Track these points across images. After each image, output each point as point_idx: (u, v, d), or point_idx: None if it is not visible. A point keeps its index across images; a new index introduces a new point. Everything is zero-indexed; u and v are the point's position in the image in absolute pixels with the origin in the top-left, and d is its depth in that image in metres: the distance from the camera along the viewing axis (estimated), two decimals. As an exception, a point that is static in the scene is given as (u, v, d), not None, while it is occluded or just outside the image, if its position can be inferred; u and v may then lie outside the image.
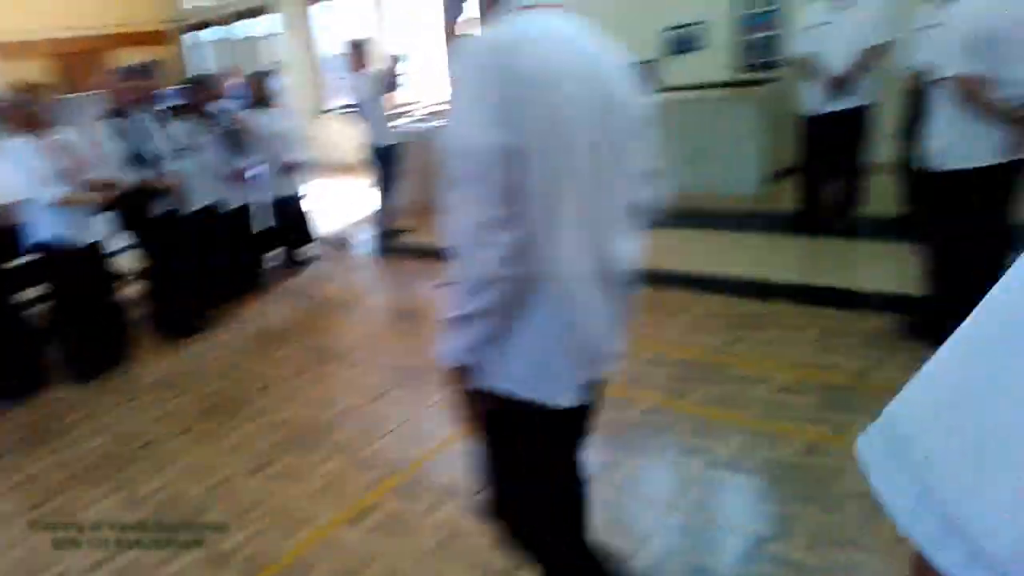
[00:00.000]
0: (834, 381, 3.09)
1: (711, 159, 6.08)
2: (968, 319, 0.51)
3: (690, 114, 6.15)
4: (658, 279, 4.52)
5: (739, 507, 2.45)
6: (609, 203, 1.39)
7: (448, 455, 2.89)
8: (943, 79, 2.92)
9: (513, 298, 1.30)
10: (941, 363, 0.52)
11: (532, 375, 1.40)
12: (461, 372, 1.40)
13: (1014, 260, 0.48)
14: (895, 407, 0.54)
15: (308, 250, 6.28)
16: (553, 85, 1.23)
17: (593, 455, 2.75)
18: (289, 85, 8.51)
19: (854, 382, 3.06)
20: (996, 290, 0.49)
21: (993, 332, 0.48)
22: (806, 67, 4.79)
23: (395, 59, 6.13)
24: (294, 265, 6.14)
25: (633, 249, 1.47)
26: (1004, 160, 2.89)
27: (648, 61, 7.19)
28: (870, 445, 0.54)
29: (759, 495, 2.46)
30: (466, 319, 1.31)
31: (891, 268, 4.39)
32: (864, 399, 2.91)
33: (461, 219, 1.26)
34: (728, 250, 4.95)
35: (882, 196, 5.25)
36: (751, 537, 2.24)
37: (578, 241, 1.33)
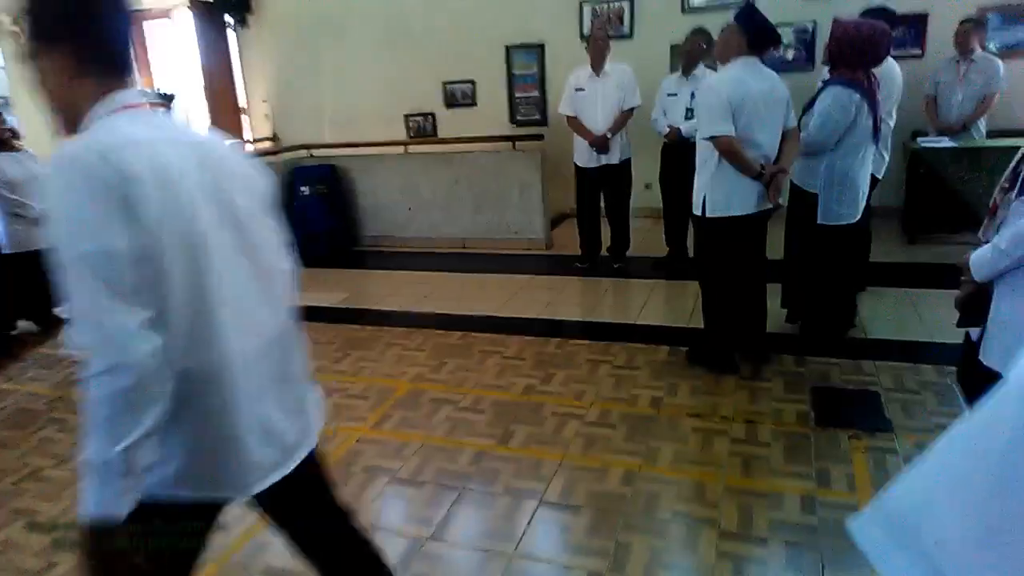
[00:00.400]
0: (636, 411, 3.27)
1: (499, 207, 6.34)
2: (963, 424, 0.62)
3: (475, 165, 6.37)
4: (466, 323, 4.54)
5: (573, 544, 2.47)
6: (253, 280, 1.38)
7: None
8: (705, 139, 3.35)
9: (170, 409, 1.19)
10: (939, 463, 0.62)
11: (197, 473, 1.31)
12: (112, 530, 1.14)
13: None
14: (893, 501, 0.62)
15: None
16: (168, 181, 1.20)
17: (425, 510, 2.70)
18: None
19: (653, 411, 3.26)
20: (999, 399, 0.59)
21: (1002, 438, 0.57)
22: (573, 126, 5.29)
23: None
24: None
25: (285, 317, 1.47)
26: (756, 211, 3.37)
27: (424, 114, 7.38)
28: (869, 534, 0.62)
29: (590, 530, 2.50)
30: (119, 457, 1.10)
31: (664, 303, 4.88)
32: (663, 426, 3.07)
33: (93, 335, 1.11)
34: (524, 293, 5.14)
35: (650, 239, 5.88)
36: (592, 572, 2.27)
37: (233, 324, 1.30)
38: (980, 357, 1.88)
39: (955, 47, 5.26)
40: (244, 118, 8.45)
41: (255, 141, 8.33)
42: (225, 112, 8.11)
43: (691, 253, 5.27)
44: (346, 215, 6.73)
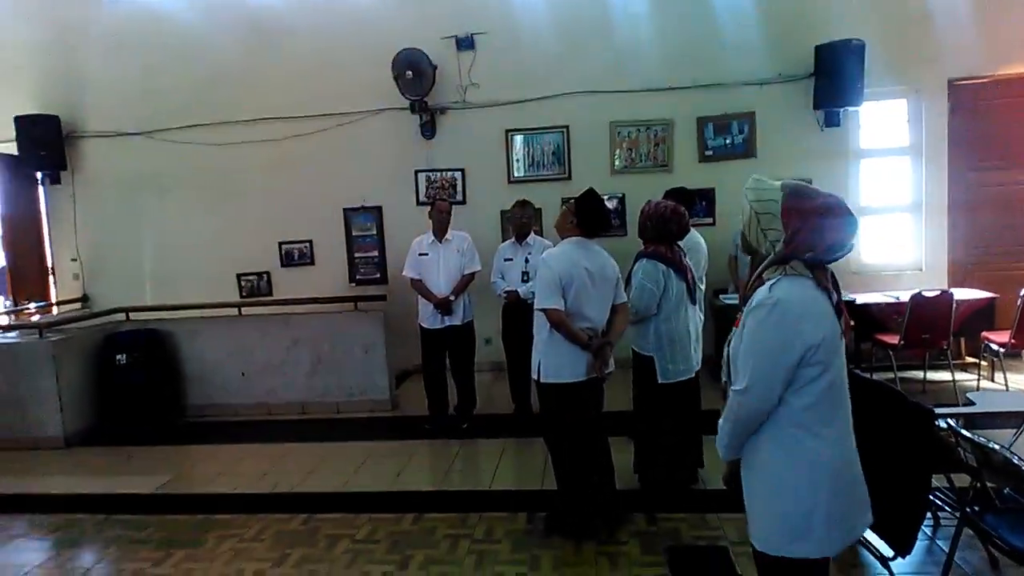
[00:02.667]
0: (501, 592, 3.17)
1: (340, 368, 6.14)
2: None
3: (315, 325, 6.20)
4: (309, 503, 4.20)
5: None
6: None
7: None
8: (538, 309, 3.55)
9: None
10: None
11: None
12: None
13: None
14: None
15: None
16: None
17: None
18: None
19: (519, 590, 3.18)
20: None
21: None
22: (417, 289, 5.39)
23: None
24: None
25: None
26: (587, 378, 3.54)
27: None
28: None
29: None
30: None
31: (516, 465, 4.80)
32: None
33: None
34: (371, 462, 4.88)
35: (495, 394, 5.94)
36: None
37: None
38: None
39: None
40: (51, 278, 7.70)
41: (60, 303, 7.56)
42: (29, 270, 7.35)
43: (536, 410, 5.43)
44: (170, 384, 6.17)
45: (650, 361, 3.84)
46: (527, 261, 5.32)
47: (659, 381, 3.81)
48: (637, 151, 6.95)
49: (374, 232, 7.34)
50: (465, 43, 6.92)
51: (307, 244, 7.44)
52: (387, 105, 7.03)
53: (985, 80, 6.43)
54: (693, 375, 3.93)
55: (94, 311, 6.91)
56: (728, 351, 1.99)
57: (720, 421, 1.97)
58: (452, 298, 5.28)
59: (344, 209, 7.32)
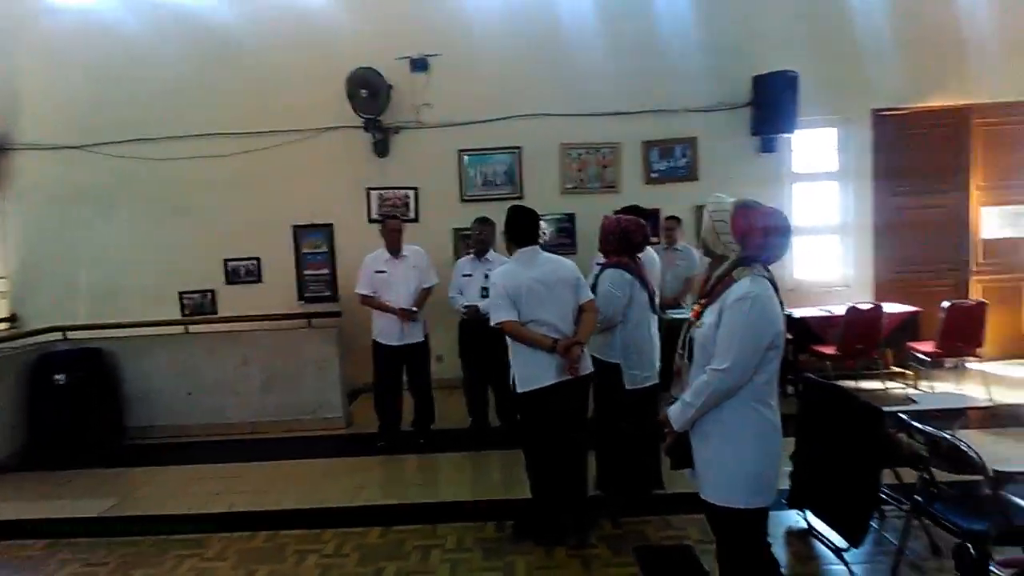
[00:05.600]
0: (478, 598, 3.20)
1: (292, 386, 6.04)
2: None
3: (266, 343, 6.09)
4: (271, 520, 4.11)
5: None
6: None
7: None
8: (493, 326, 3.65)
9: None
10: None
11: None
12: None
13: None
14: None
15: None
16: None
17: None
18: None
19: (495, 595, 3.22)
20: None
21: None
22: (373, 306, 5.38)
23: None
24: None
25: None
26: (557, 381, 3.64)
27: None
28: None
29: None
30: None
31: (477, 477, 4.82)
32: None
33: None
34: (331, 478, 4.81)
35: (447, 410, 5.96)
36: None
37: None
38: (700, 495, 2.38)
39: (663, 239, 6.40)
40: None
41: (-15, 323, 7.16)
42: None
43: (493, 424, 5.50)
44: (111, 405, 5.92)
45: (615, 369, 3.96)
46: (487, 277, 5.39)
47: (627, 387, 3.93)
48: (586, 172, 7.17)
49: (325, 249, 7.29)
50: (419, 64, 7.03)
51: (254, 261, 7.31)
52: (339, 123, 7.03)
53: (906, 111, 6.97)
54: (656, 382, 4.08)
55: (25, 330, 6.57)
56: (689, 338, 2.37)
57: (686, 397, 2.30)
58: (415, 309, 5.30)
59: (294, 226, 7.24)
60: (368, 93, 6.75)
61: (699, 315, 2.33)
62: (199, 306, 7.32)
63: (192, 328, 6.29)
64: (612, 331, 3.98)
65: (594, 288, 4.02)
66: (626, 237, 4.04)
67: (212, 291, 7.31)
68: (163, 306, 7.11)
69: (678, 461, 2.45)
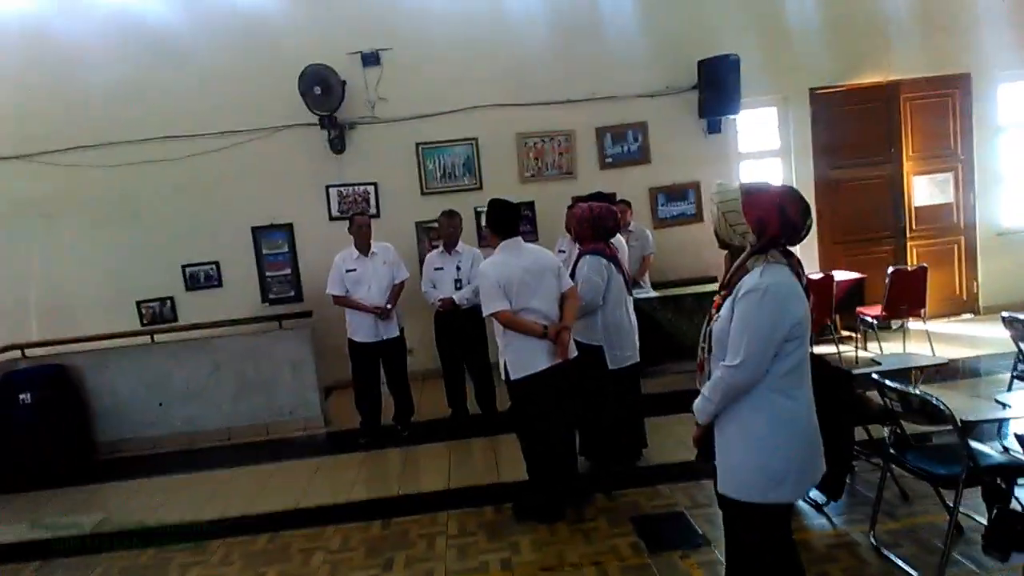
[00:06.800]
0: (491, 579, 3.34)
1: (267, 389, 6.01)
2: None
3: (238, 348, 6.04)
4: (270, 522, 4.14)
5: None
6: None
7: None
8: (487, 316, 3.76)
9: None
10: None
11: None
12: None
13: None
14: None
15: None
16: None
17: None
18: None
19: (508, 574, 3.32)
20: None
21: None
22: (345, 305, 5.40)
23: None
24: None
25: None
26: (550, 366, 3.79)
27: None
28: None
29: None
30: None
31: (466, 464, 4.90)
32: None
33: None
34: (321, 477, 4.85)
35: (423, 401, 6.05)
36: None
37: None
38: (717, 489, 2.27)
39: None
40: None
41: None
42: None
43: (471, 412, 5.62)
44: (80, 421, 5.77)
45: (597, 351, 4.14)
46: (458, 269, 5.48)
47: (610, 367, 4.12)
48: (543, 160, 7.32)
49: (286, 249, 7.22)
50: (370, 59, 7.01)
51: (213, 266, 7.19)
52: (294, 121, 6.96)
53: (840, 89, 7.36)
54: (638, 360, 4.27)
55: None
56: (708, 330, 2.27)
57: (705, 391, 2.22)
58: (390, 306, 5.36)
59: (252, 227, 7.15)
60: (321, 90, 6.70)
61: (719, 307, 2.23)
62: (157, 315, 7.16)
63: (158, 337, 6.17)
64: (593, 315, 4.15)
65: (572, 275, 4.19)
66: (599, 223, 4.21)
67: (171, 298, 7.16)
68: (120, 317, 6.93)
69: (705, 454, 2.35)
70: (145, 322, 7.10)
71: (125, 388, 5.94)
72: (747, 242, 2.16)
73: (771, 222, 2.11)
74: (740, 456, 2.19)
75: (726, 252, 2.35)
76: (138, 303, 7.12)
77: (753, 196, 2.15)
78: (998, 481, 2.44)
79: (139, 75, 6.88)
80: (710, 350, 2.25)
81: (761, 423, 2.15)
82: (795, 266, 2.16)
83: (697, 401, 2.27)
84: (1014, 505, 2.72)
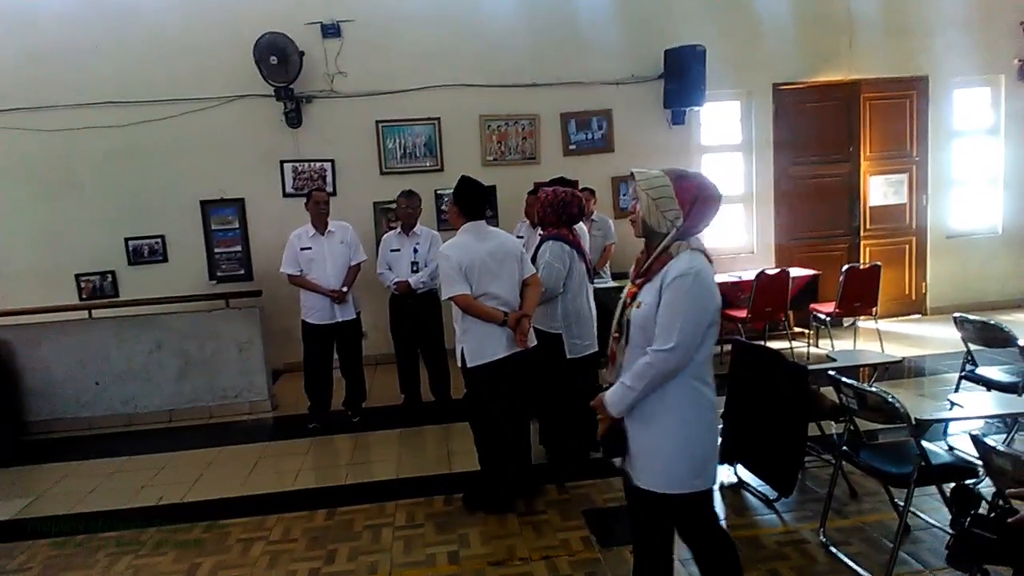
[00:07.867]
0: (438, 572, 3.20)
1: (211, 370, 5.78)
2: None
3: (182, 326, 5.78)
4: (208, 510, 3.97)
5: None
6: None
7: None
8: (445, 299, 3.65)
9: None
10: None
11: None
12: None
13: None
14: None
15: None
16: None
17: None
18: None
19: (455, 567, 3.19)
20: None
21: None
22: (300, 284, 5.22)
23: None
24: None
25: None
26: (508, 353, 3.70)
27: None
28: None
29: None
30: None
31: (417, 452, 4.80)
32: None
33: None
34: (264, 463, 4.68)
35: (375, 387, 5.91)
36: None
37: None
38: (635, 482, 2.23)
39: None
40: None
41: None
42: None
43: (425, 399, 5.50)
44: (8, 399, 5.47)
45: (557, 339, 4.06)
46: (415, 251, 5.34)
47: (568, 356, 4.04)
48: (506, 144, 7.19)
49: (236, 226, 6.96)
50: (331, 30, 6.76)
51: (159, 240, 6.89)
52: (248, 91, 6.69)
53: (803, 85, 7.40)
54: (596, 349, 4.21)
55: None
56: (625, 320, 2.21)
57: (625, 381, 2.13)
58: (345, 290, 5.19)
59: (201, 201, 6.86)
60: (278, 60, 6.44)
61: (634, 296, 2.18)
62: (97, 289, 6.83)
63: (96, 313, 5.88)
64: (553, 302, 4.06)
65: (533, 260, 4.09)
66: (564, 209, 4.12)
67: (112, 272, 6.84)
68: (57, 290, 6.60)
69: (612, 449, 2.29)
70: (83, 296, 6.77)
71: (59, 365, 5.65)
72: (675, 227, 2.13)
73: (698, 206, 2.12)
74: (675, 448, 2.15)
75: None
76: (77, 276, 6.78)
77: (683, 181, 2.14)
78: (968, 484, 2.40)
79: (83, 34, 6.50)
80: (627, 341, 2.20)
81: (688, 412, 2.15)
82: (708, 255, 2.18)
83: (612, 392, 2.19)
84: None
